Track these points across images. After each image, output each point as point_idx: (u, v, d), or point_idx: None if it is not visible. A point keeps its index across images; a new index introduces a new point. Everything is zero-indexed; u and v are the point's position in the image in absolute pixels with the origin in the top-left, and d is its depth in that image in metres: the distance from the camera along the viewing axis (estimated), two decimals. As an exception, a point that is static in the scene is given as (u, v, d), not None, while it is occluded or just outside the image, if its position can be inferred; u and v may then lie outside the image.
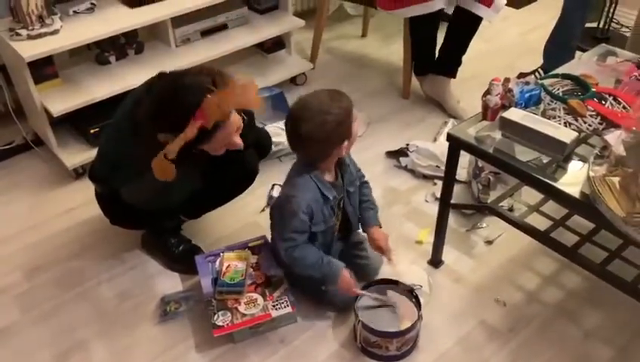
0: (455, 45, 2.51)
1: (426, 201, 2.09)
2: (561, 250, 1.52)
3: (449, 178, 1.63)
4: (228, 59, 2.45)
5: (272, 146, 2.02)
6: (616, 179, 1.23)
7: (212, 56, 2.34)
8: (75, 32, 2.06)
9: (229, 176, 1.71)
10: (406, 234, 1.94)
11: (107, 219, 1.78)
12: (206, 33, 2.44)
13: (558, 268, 1.80)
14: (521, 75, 2.56)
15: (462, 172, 2.05)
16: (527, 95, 1.51)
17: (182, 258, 1.80)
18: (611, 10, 3.03)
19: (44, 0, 2.02)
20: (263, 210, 2.04)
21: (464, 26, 2.43)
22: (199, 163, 1.51)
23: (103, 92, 2.11)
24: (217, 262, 1.71)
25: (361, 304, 1.58)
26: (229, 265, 1.69)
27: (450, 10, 2.43)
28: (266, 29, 2.54)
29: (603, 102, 1.52)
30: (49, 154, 2.27)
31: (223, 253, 1.74)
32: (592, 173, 1.27)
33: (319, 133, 1.43)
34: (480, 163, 1.96)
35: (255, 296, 1.62)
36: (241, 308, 1.58)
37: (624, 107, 1.50)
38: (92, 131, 2.17)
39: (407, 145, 2.26)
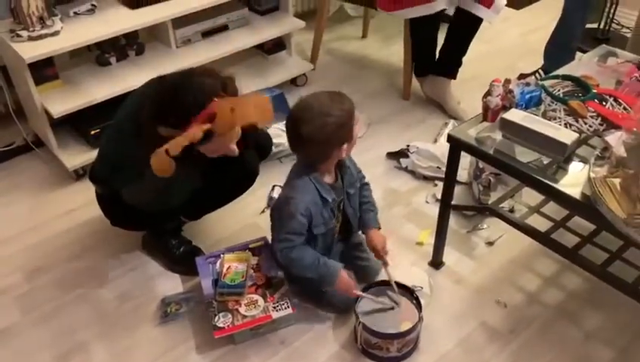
0: (455, 46, 2.51)
1: (427, 202, 2.09)
2: (561, 251, 1.52)
3: (450, 179, 1.63)
4: (228, 60, 2.45)
5: (273, 147, 2.02)
6: (617, 181, 1.23)
7: (212, 57, 2.34)
8: (76, 33, 2.06)
9: (230, 177, 1.71)
10: (407, 236, 1.94)
11: (108, 220, 1.78)
12: (206, 34, 2.44)
13: (558, 270, 1.80)
14: (522, 76, 2.57)
15: (462, 173, 2.05)
16: (527, 96, 1.51)
17: (182, 259, 1.80)
18: (612, 11, 3.03)
19: (44, 1, 2.02)
20: (264, 211, 2.04)
21: (464, 27, 2.43)
22: (199, 163, 1.51)
23: (103, 93, 2.12)
24: (218, 264, 1.71)
25: (362, 305, 1.57)
26: (229, 266, 1.69)
27: (451, 11, 2.43)
28: (266, 30, 2.54)
29: (604, 103, 1.52)
30: (49, 156, 2.27)
31: (223, 254, 1.74)
32: (592, 175, 1.27)
33: (319, 135, 1.43)
34: (481, 164, 1.96)
35: (256, 297, 1.62)
36: (242, 310, 1.58)
37: (625, 108, 1.50)
38: (92, 132, 2.17)
39: (408, 146, 2.26)
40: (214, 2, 2.30)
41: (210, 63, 2.30)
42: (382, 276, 1.70)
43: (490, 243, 1.91)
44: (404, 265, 1.80)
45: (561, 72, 1.68)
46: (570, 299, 1.71)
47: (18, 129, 2.30)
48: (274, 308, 1.59)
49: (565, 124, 1.46)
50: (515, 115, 1.44)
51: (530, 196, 1.75)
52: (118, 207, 1.64)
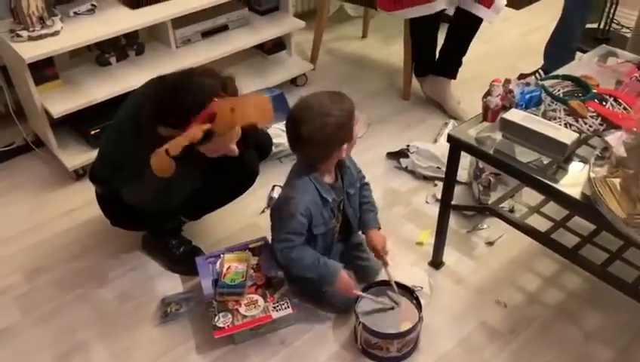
0: (455, 46, 2.51)
1: (427, 202, 2.09)
2: (561, 251, 1.52)
3: (450, 179, 1.63)
4: (228, 60, 2.45)
5: (273, 147, 2.02)
6: (617, 181, 1.23)
7: (212, 57, 2.34)
8: (76, 33, 2.06)
9: (230, 177, 1.71)
10: (407, 236, 1.94)
11: (108, 220, 1.78)
12: (206, 34, 2.44)
13: (558, 270, 1.80)
14: (522, 76, 2.57)
15: (462, 173, 2.05)
16: (527, 96, 1.51)
17: (182, 259, 1.80)
18: (612, 11, 3.03)
19: (44, 1, 2.02)
20: (264, 211, 2.04)
21: (464, 27, 2.43)
22: (199, 163, 1.51)
23: (103, 93, 2.12)
24: (218, 264, 1.71)
25: (362, 305, 1.57)
26: (229, 266, 1.69)
27: (451, 11, 2.43)
28: (266, 30, 2.54)
29: (604, 104, 1.52)
30: (49, 156, 2.27)
31: (223, 254, 1.74)
32: (592, 175, 1.27)
33: (319, 135, 1.43)
34: (481, 164, 1.96)
35: (256, 297, 1.62)
36: (242, 310, 1.58)
37: (625, 108, 1.50)
38: (92, 132, 2.17)
39: (408, 146, 2.26)
40: (214, 2, 2.30)
41: (210, 63, 2.30)
42: (382, 276, 1.71)
43: (490, 243, 1.91)
44: (404, 265, 1.80)
45: (561, 72, 1.68)
46: (570, 299, 1.71)
47: (18, 129, 2.30)
48: (274, 308, 1.59)
49: (565, 124, 1.46)
50: (515, 115, 1.44)
51: (530, 196, 1.75)
52: (118, 207, 1.64)
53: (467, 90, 2.54)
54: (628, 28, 3.15)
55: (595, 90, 1.54)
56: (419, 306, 1.56)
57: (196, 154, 1.43)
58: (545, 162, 1.42)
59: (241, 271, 1.67)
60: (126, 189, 1.58)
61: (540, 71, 2.64)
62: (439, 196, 1.76)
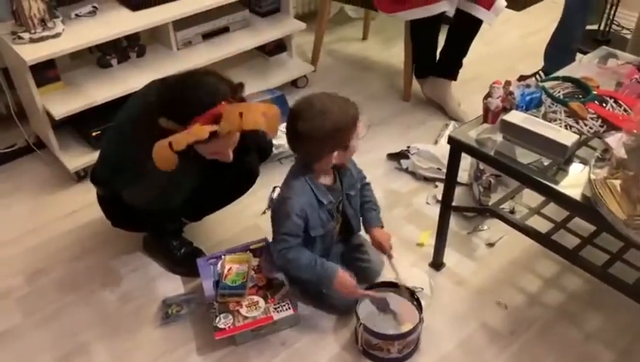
0: (456, 48, 2.51)
1: (427, 204, 2.09)
2: (562, 253, 1.52)
3: (450, 180, 1.63)
4: (229, 61, 2.46)
5: (273, 149, 2.02)
6: (617, 182, 1.23)
7: (214, 58, 2.34)
8: (77, 35, 2.07)
9: (230, 178, 1.71)
10: (407, 237, 1.94)
11: (109, 221, 1.78)
12: (207, 36, 2.45)
13: (559, 271, 1.80)
14: (522, 78, 2.56)
15: (463, 174, 2.05)
16: (528, 98, 1.51)
17: (183, 260, 1.81)
18: (612, 12, 3.04)
19: (46, 3, 2.03)
20: (264, 212, 2.04)
21: (464, 28, 2.43)
22: (200, 163, 1.51)
23: (104, 95, 2.12)
24: (219, 265, 1.71)
25: (363, 306, 1.57)
26: (230, 267, 1.69)
27: (452, 13, 2.44)
28: (267, 32, 2.54)
29: (604, 105, 1.52)
30: (51, 157, 2.27)
31: (224, 255, 1.74)
32: (593, 176, 1.27)
33: (314, 133, 1.43)
34: (481, 165, 1.96)
35: (257, 298, 1.62)
36: (243, 311, 1.58)
37: (625, 110, 1.50)
38: (94, 134, 2.17)
39: (408, 147, 2.26)
40: (215, 4, 2.30)
41: (211, 65, 2.30)
42: (382, 277, 1.71)
43: (490, 245, 1.91)
44: (404, 266, 1.80)
45: (561, 73, 1.68)
46: (571, 301, 1.72)
47: (19, 131, 2.30)
48: (275, 309, 1.59)
49: (565, 125, 1.46)
50: (515, 117, 1.44)
51: (531, 197, 1.75)
52: (119, 208, 1.64)
53: (467, 91, 2.55)
54: (628, 29, 3.15)
55: (595, 92, 1.54)
56: (419, 307, 1.56)
57: (193, 154, 1.43)
58: (545, 164, 1.42)
59: (242, 273, 1.68)
60: (127, 190, 1.58)
61: (540, 72, 2.65)
62: (440, 197, 1.76)
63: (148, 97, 1.50)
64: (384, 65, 2.96)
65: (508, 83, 1.52)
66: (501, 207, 1.78)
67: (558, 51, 2.57)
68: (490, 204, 1.89)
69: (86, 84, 2.19)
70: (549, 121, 1.47)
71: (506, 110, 1.51)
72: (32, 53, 1.94)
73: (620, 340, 1.60)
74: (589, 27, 2.76)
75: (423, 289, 1.71)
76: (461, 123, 2.33)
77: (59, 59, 2.08)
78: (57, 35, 2.04)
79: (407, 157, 2.23)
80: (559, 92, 1.57)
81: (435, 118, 2.53)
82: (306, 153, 1.53)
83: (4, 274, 1.83)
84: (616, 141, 1.30)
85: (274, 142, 2.01)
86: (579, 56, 2.44)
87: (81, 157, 2.18)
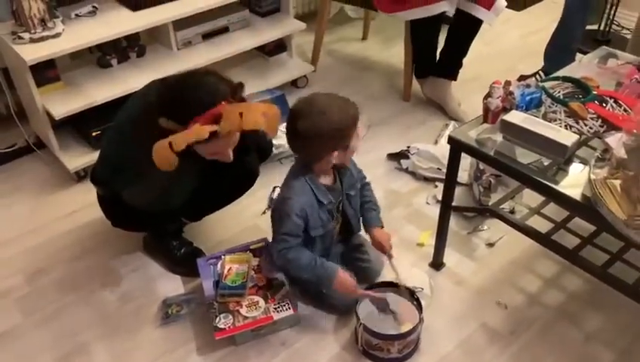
0: (456, 48, 2.51)
1: (427, 204, 2.09)
2: (562, 253, 1.52)
3: (450, 180, 1.63)
4: (229, 61, 2.46)
5: (273, 149, 2.02)
6: (617, 182, 1.23)
7: (213, 58, 2.34)
8: (77, 35, 2.07)
9: (230, 178, 1.71)
10: (407, 237, 1.94)
11: (109, 221, 1.78)
12: (207, 36, 2.45)
13: (559, 271, 1.80)
14: (522, 78, 2.56)
15: (463, 174, 2.05)
16: (528, 98, 1.51)
17: (183, 260, 1.81)
18: (612, 12, 3.04)
19: (46, 4, 2.03)
20: (264, 212, 2.04)
21: (464, 28, 2.43)
22: (199, 163, 1.52)
23: (104, 95, 2.12)
24: (219, 265, 1.71)
25: (363, 307, 1.57)
26: (230, 267, 1.69)
27: (452, 13, 2.44)
28: (267, 32, 2.54)
29: (604, 105, 1.52)
30: (51, 157, 2.27)
31: (224, 255, 1.74)
32: (593, 176, 1.27)
33: (312, 132, 1.43)
34: (481, 165, 1.96)
35: (257, 298, 1.62)
36: (243, 311, 1.58)
37: (625, 110, 1.50)
38: (94, 134, 2.17)
39: (408, 147, 2.26)
40: (215, 4, 2.30)
41: (211, 65, 2.30)
42: (382, 277, 1.71)
43: (490, 245, 1.91)
44: (404, 266, 1.80)
45: (561, 73, 1.68)
46: (571, 301, 1.72)
47: (19, 131, 2.30)
48: (275, 309, 1.59)
49: (565, 125, 1.46)
50: (515, 117, 1.44)
51: (531, 197, 1.75)
52: (119, 208, 1.65)
53: (468, 91, 2.55)
54: (628, 29, 3.15)
55: (595, 92, 1.54)
56: (419, 307, 1.56)
57: (192, 153, 1.43)
58: (545, 164, 1.42)
59: (242, 273, 1.68)
60: (127, 190, 1.58)
61: (540, 72, 2.65)
62: (440, 197, 1.76)
63: (148, 97, 1.50)
64: (384, 65, 2.96)
65: (508, 83, 1.52)
66: (501, 207, 1.78)
67: (558, 51, 2.57)
68: (490, 204, 1.89)
69: (86, 84, 2.19)
70: (549, 121, 1.47)
71: (506, 110, 1.51)
72: (32, 53, 1.94)
73: (620, 340, 1.60)
74: (589, 27, 2.76)
75: (423, 289, 1.71)
76: (461, 123, 2.33)
77: (59, 59, 2.08)
78: (57, 35, 2.04)
79: (407, 157, 2.23)
80: (559, 92, 1.57)
81: (435, 118, 2.53)
82: (305, 153, 1.53)
83: (4, 274, 1.84)
84: (616, 141, 1.30)
85: (274, 142, 2.01)
86: (579, 56, 2.44)
87: (81, 158, 2.18)
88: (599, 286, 1.51)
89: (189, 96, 1.37)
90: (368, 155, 2.25)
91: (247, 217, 2.02)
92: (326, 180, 1.58)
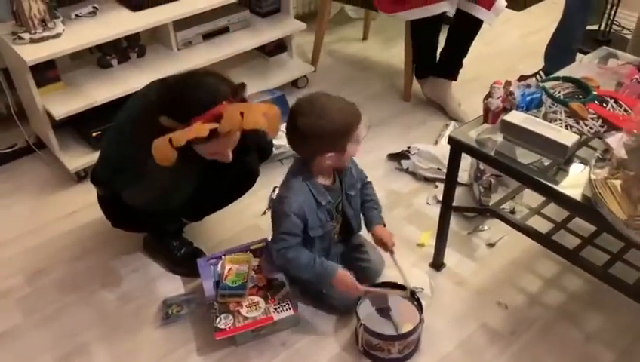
0: (456, 48, 2.51)
1: (428, 204, 2.09)
2: (562, 253, 1.52)
3: (450, 181, 1.63)
4: (229, 62, 2.46)
5: (274, 149, 2.02)
6: (617, 182, 1.23)
7: (214, 59, 2.35)
8: (78, 35, 2.07)
9: (230, 178, 1.71)
10: (407, 237, 1.94)
11: (109, 222, 1.78)
12: (208, 36, 2.45)
13: (559, 271, 1.80)
14: (522, 78, 2.56)
15: (463, 174, 2.05)
16: (528, 98, 1.51)
17: (184, 261, 1.81)
18: (612, 12, 3.04)
19: (46, 4, 2.03)
20: (264, 212, 2.04)
21: (465, 28, 2.43)
22: (199, 162, 1.52)
23: (104, 95, 2.12)
24: (219, 265, 1.71)
25: (363, 307, 1.57)
26: (230, 268, 1.69)
27: (452, 13, 2.44)
28: (267, 32, 2.54)
29: (604, 105, 1.52)
30: (51, 158, 2.28)
31: (224, 255, 1.74)
32: (593, 176, 1.27)
33: (309, 131, 1.43)
34: (481, 165, 1.96)
35: (257, 298, 1.62)
36: (243, 311, 1.58)
37: (625, 110, 1.50)
38: (94, 134, 2.17)
39: (409, 147, 2.26)
40: (215, 4, 2.31)
41: (211, 65, 2.30)
42: (383, 277, 1.71)
43: (491, 245, 1.91)
44: (405, 266, 1.80)
45: (561, 73, 1.68)
46: (571, 301, 1.72)
47: (20, 131, 2.30)
48: (275, 309, 1.59)
49: (566, 125, 1.46)
50: (515, 117, 1.44)
51: (531, 198, 1.75)
52: (120, 208, 1.65)
53: (468, 91, 2.55)
54: (628, 29, 3.15)
55: (595, 92, 1.54)
56: (420, 308, 1.56)
57: (192, 153, 1.43)
58: (545, 164, 1.42)
59: (243, 273, 1.68)
60: (127, 191, 1.58)
61: (540, 72, 2.65)
62: (440, 197, 1.76)
63: (148, 97, 1.50)
64: (384, 66, 2.96)
65: (508, 83, 1.52)
66: (501, 207, 1.77)
67: (559, 51, 2.57)
68: (490, 204, 1.89)
69: (86, 84, 2.19)
70: (550, 122, 1.47)
71: (506, 110, 1.51)
72: (32, 53, 1.94)
73: (620, 340, 1.60)
74: (589, 27, 2.76)
75: (423, 289, 1.71)
76: (461, 123, 2.33)
77: (59, 59, 2.08)
78: (57, 36, 2.04)
79: (408, 158, 2.23)
80: (559, 92, 1.57)
81: (435, 119, 2.53)
82: (301, 150, 1.53)
83: (4, 275, 1.84)
84: (616, 141, 1.30)
85: (275, 142, 2.01)
86: (579, 56, 2.44)
87: (82, 158, 2.18)
88: (600, 287, 1.51)
89: (189, 96, 1.37)
90: (368, 156, 2.25)
91: (247, 217, 2.02)
92: (325, 180, 1.58)
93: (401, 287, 1.60)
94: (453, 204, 1.70)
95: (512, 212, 1.91)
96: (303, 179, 1.53)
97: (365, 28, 3.19)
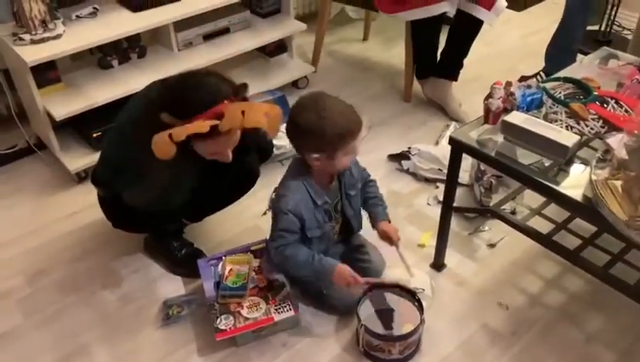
0: (456, 48, 2.51)
1: (429, 204, 2.09)
2: (563, 254, 1.52)
3: (451, 181, 1.63)
4: (230, 62, 2.46)
5: (274, 149, 2.02)
6: (618, 183, 1.23)
7: (214, 60, 2.35)
8: (78, 36, 2.07)
9: (230, 178, 1.71)
10: (408, 238, 1.93)
11: (109, 222, 1.78)
12: (208, 37, 2.45)
13: (560, 272, 1.80)
14: (523, 79, 2.56)
15: (464, 175, 2.05)
16: (529, 98, 1.51)
17: (184, 261, 1.80)
18: (613, 12, 3.03)
19: (47, 5, 2.03)
20: (265, 213, 2.04)
21: (465, 29, 2.43)
22: (200, 164, 1.51)
23: (105, 96, 2.12)
24: (219, 266, 1.71)
25: (364, 307, 1.57)
26: (231, 268, 1.69)
27: (452, 14, 2.44)
28: (268, 33, 2.55)
29: (605, 106, 1.52)
30: (52, 158, 2.28)
31: (225, 256, 1.74)
32: (594, 177, 1.27)
33: (305, 126, 1.43)
34: (482, 166, 1.96)
35: (257, 299, 1.62)
36: (244, 312, 1.58)
37: (626, 110, 1.50)
38: (94, 135, 2.17)
39: (409, 148, 2.26)
40: (216, 5, 2.31)
41: (211, 66, 2.30)
42: (385, 276, 1.71)
43: (491, 245, 1.91)
44: (409, 262, 1.80)
45: (562, 74, 1.68)
46: (572, 301, 1.71)
47: (20, 132, 2.30)
48: (276, 310, 1.59)
49: (566, 126, 1.46)
50: (516, 118, 1.44)
51: (532, 198, 1.75)
52: (120, 209, 1.65)
53: (468, 92, 2.55)
54: (629, 30, 3.15)
55: (596, 93, 1.54)
56: (420, 308, 1.56)
57: (192, 153, 1.43)
58: (546, 164, 1.42)
59: (243, 274, 1.68)
60: (128, 191, 1.58)
61: (541, 73, 2.65)
62: (441, 198, 1.76)
63: (149, 98, 1.51)
64: (385, 66, 2.96)
65: (509, 84, 1.52)
66: (502, 207, 1.77)
67: (559, 52, 2.57)
68: (491, 204, 1.89)
69: (87, 85, 2.19)
70: (550, 122, 1.47)
71: (506, 111, 1.51)
72: (32, 54, 1.94)
73: (621, 341, 1.60)
74: (589, 28, 2.76)
75: (424, 290, 1.71)
76: (462, 124, 2.33)
77: (59, 60, 2.08)
78: (58, 37, 2.04)
79: (408, 158, 2.23)
80: (560, 93, 1.57)
81: (435, 119, 2.53)
82: (295, 144, 1.53)
83: (4, 275, 1.84)
84: (617, 142, 1.30)
85: (275, 142, 2.01)
86: (580, 56, 2.43)
87: (82, 159, 2.18)
88: (600, 287, 1.51)
89: (190, 95, 1.37)
90: (369, 156, 2.25)
91: (247, 218, 2.02)
92: (322, 180, 1.58)
93: (397, 286, 1.59)
94: (454, 204, 1.70)
95: (513, 212, 1.91)
96: (300, 178, 1.54)
97: (366, 28, 3.19)
